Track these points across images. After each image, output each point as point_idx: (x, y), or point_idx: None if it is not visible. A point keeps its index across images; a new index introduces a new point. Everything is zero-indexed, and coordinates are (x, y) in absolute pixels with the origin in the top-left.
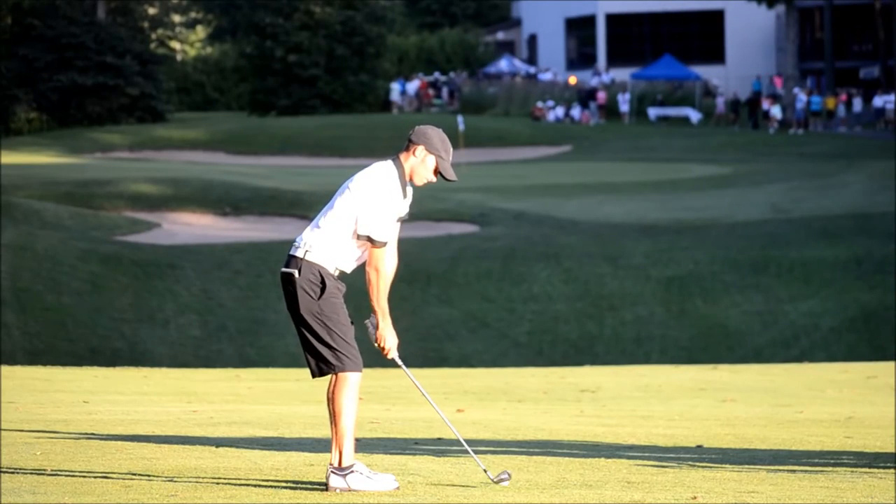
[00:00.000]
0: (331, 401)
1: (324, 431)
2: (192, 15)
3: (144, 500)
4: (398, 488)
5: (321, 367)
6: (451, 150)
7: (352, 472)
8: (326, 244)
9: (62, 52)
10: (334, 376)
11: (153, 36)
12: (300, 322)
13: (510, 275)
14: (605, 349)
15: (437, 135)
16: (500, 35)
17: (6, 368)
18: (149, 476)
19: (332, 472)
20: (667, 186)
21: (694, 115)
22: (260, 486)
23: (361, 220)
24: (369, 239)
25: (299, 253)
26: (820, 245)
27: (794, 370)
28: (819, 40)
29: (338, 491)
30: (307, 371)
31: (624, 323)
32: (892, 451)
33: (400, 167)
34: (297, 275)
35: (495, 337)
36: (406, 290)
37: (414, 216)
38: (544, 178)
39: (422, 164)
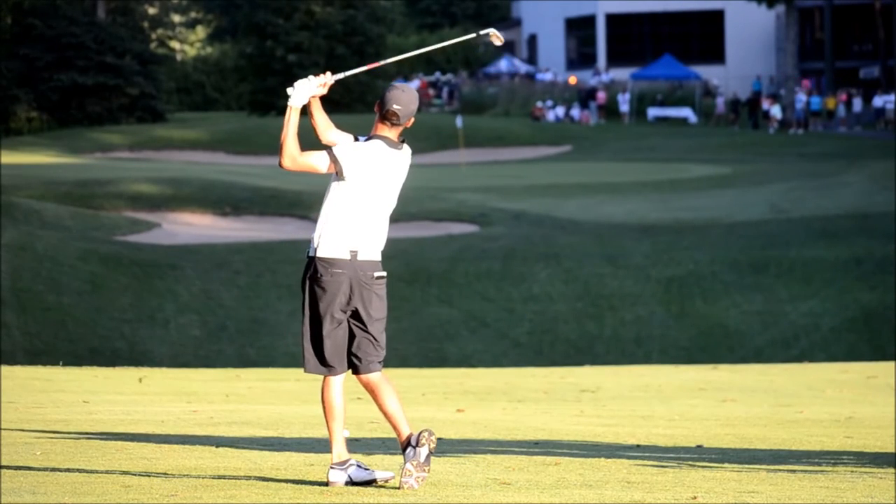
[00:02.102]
0: None
1: (324, 431)
2: (192, 15)
3: (144, 500)
4: (394, 477)
5: None
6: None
7: (351, 464)
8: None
9: (62, 52)
10: None
11: (153, 36)
12: None
13: (510, 275)
14: (605, 349)
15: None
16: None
17: (6, 368)
18: (149, 476)
19: (330, 467)
20: (667, 186)
21: (691, 117)
22: (260, 486)
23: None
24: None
25: None
26: (820, 245)
27: (794, 370)
28: (819, 40)
29: (340, 484)
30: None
31: (624, 323)
32: (892, 451)
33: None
34: None
35: (495, 337)
36: (406, 290)
37: (414, 216)
38: (544, 178)
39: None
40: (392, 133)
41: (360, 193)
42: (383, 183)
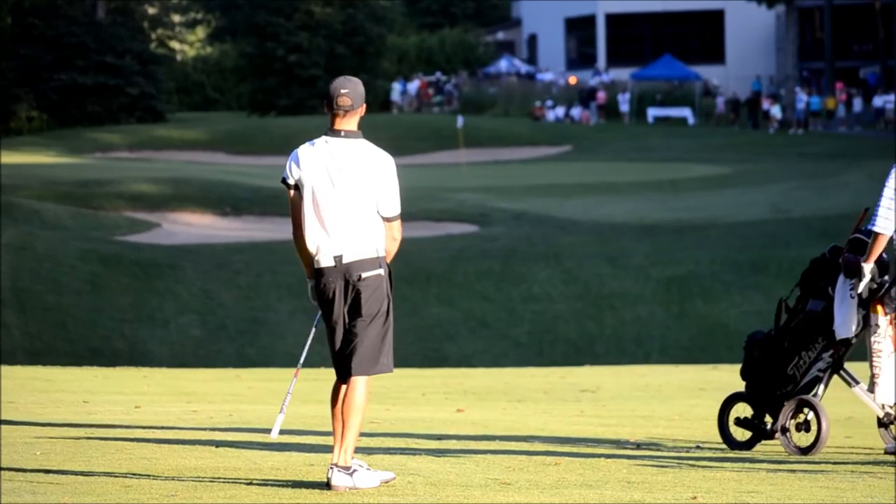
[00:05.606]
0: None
1: (324, 431)
2: (192, 15)
3: (144, 500)
4: (395, 477)
5: None
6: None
7: (357, 468)
8: None
9: (62, 52)
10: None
11: (153, 36)
12: None
13: (510, 275)
14: (605, 349)
15: None
16: (500, 35)
17: (6, 368)
18: (149, 476)
19: (330, 467)
20: (667, 186)
21: (690, 117)
22: (260, 486)
23: None
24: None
25: None
26: (820, 245)
27: None
28: (819, 40)
29: (342, 489)
30: (307, 370)
31: (624, 323)
32: None
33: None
34: None
35: (495, 337)
36: (406, 290)
37: (414, 216)
38: (544, 178)
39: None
40: (346, 123)
41: (313, 196)
42: (340, 176)
